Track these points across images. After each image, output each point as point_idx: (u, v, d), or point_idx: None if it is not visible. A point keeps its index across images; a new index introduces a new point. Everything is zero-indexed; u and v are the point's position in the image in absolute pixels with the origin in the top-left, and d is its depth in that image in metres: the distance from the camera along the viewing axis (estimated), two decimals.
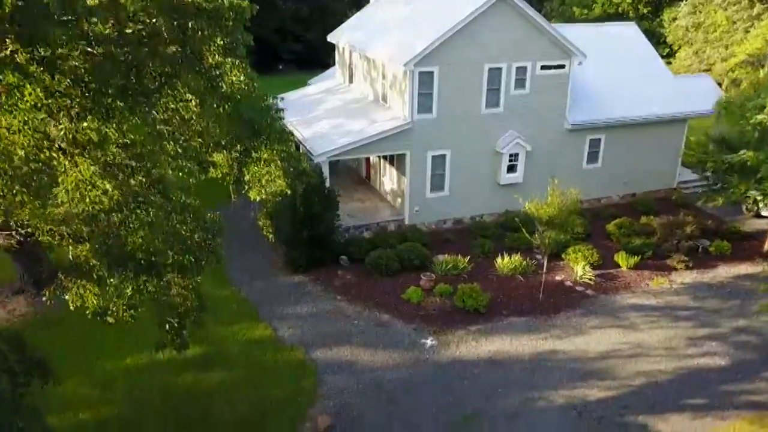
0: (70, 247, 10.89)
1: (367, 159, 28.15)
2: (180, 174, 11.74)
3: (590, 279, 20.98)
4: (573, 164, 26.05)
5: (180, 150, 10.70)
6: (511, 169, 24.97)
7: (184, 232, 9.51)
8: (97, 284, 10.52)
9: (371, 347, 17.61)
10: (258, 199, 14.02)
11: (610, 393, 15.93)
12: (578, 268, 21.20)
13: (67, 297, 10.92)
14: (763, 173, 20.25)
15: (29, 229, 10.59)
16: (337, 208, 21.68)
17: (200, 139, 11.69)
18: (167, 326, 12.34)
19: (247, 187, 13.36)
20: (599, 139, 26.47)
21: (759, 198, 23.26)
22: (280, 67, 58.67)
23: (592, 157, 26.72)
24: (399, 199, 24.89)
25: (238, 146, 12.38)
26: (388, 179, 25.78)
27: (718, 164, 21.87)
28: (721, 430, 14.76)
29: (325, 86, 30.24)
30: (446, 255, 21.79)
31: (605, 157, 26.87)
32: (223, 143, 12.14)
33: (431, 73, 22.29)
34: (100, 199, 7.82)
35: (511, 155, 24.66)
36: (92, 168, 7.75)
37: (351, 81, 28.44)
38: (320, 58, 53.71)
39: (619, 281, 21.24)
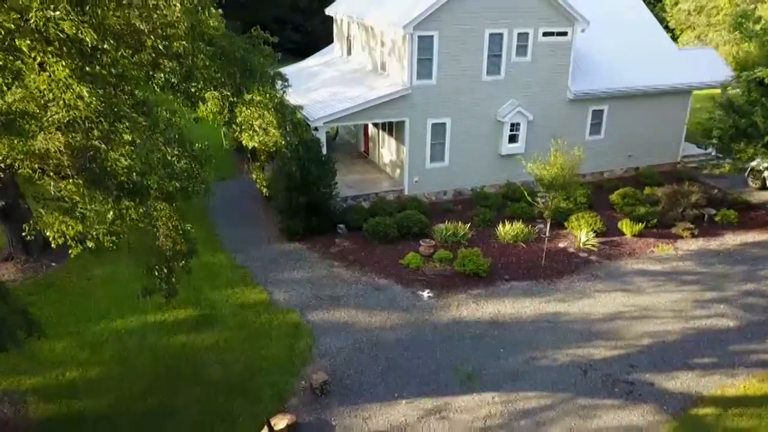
0: (52, 183, 10.41)
1: (366, 133, 27.66)
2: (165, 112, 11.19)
3: (594, 246, 20.46)
4: (575, 135, 25.41)
5: (171, 79, 10.16)
6: (513, 139, 24.45)
7: (169, 157, 8.99)
8: (81, 220, 10.02)
9: (368, 309, 17.09)
10: (251, 145, 13.48)
11: (616, 352, 15.40)
12: (581, 234, 20.68)
13: (47, 233, 10.41)
14: None
15: (9, 161, 10.05)
16: (334, 175, 21.15)
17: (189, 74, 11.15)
18: (155, 271, 11.89)
19: (238, 129, 12.83)
20: (602, 111, 25.95)
21: (765, 166, 22.78)
22: (279, 56, 58.22)
23: (595, 128, 26.20)
24: (398, 170, 24.37)
25: (230, 84, 11.85)
26: (387, 151, 25.26)
27: (724, 130, 21.33)
28: (731, 387, 14.23)
29: (323, 59, 29.77)
30: (446, 223, 21.27)
31: (608, 129, 26.36)
32: (214, 80, 11.61)
33: (431, 37, 21.77)
34: (75, 103, 7.29)
35: (512, 124, 24.13)
36: (66, 71, 7.23)
37: (349, 53, 27.92)
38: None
39: (623, 248, 20.71)
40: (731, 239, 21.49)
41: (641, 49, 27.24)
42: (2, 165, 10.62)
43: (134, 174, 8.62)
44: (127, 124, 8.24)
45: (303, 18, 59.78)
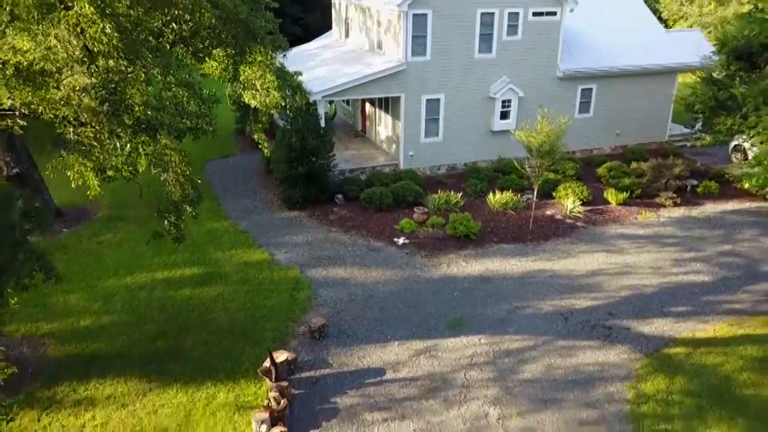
0: (71, 129, 11.39)
1: (363, 112, 28.64)
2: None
3: (580, 213, 21.45)
4: (565, 113, 25.96)
5: (180, 33, 11.13)
6: (504, 115, 25.43)
7: (180, 97, 9.96)
8: (99, 159, 11.00)
9: (364, 267, 18.08)
10: (253, 104, 14.46)
11: (596, 303, 16.39)
12: (568, 202, 21.66)
13: (68, 173, 11.41)
14: (747, 108, 20.64)
15: (32, 107, 11.04)
16: (332, 147, 22.14)
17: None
18: (166, 215, 12.86)
19: (242, 87, 13.81)
20: (591, 89, 26.94)
21: (747, 142, 23.73)
22: (287, 43, 59.04)
23: (584, 107, 27.19)
24: (394, 146, 25.36)
25: (233, 44, 12.82)
26: (384, 128, 26.25)
27: (705, 103, 22.25)
28: (702, 332, 15.21)
29: (321, 43, 30.76)
30: (440, 192, 22.26)
31: (597, 107, 27.35)
32: (219, 39, 12.59)
33: (425, 15, 22.75)
34: (99, 36, 8.28)
35: (504, 101, 25.12)
36: (91, 8, 8.21)
37: (347, 35, 28.91)
38: None
39: (607, 215, 21.71)
40: (711, 208, 22.48)
41: (629, 31, 28.24)
42: (26, 111, 11.61)
43: (149, 110, 9.59)
44: (143, 62, 9.21)
45: (302, 11, 60.77)
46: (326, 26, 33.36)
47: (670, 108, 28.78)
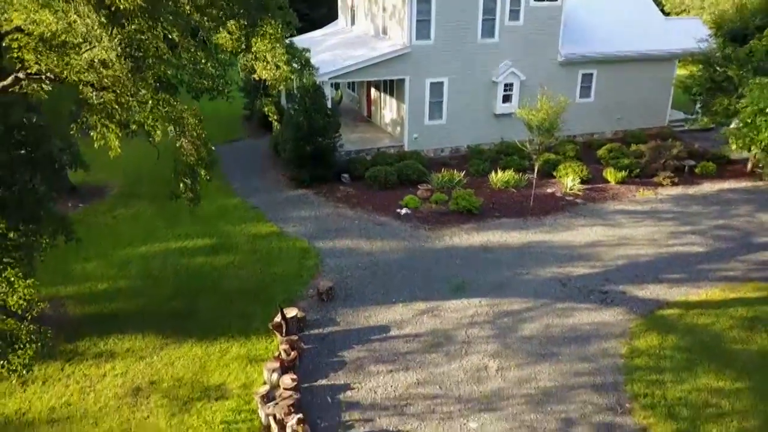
0: (94, 93, 12.06)
1: (368, 97, 29.29)
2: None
3: (579, 191, 22.05)
4: (566, 97, 27.01)
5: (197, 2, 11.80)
6: (507, 99, 26.03)
7: (198, 57, 10.63)
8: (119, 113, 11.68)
9: (369, 239, 18.73)
10: (264, 76, 15.13)
11: (594, 270, 17.00)
12: (567, 180, 22.26)
13: (92, 134, 12.09)
14: (742, 88, 21.23)
15: (57, 71, 11.71)
16: (338, 127, 22.80)
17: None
18: (181, 177, 13.52)
19: (253, 58, 14.49)
20: (591, 74, 27.51)
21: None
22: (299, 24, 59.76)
23: (585, 91, 27.77)
24: (398, 128, 26.01)
25: (246, 15, 13.48)
26: (388, 111, 26.90)
27: (703, 85, 22.86)
28: (695, 296, 15.79)
29: (328, 30, 31.43)
30: (443, 171, 22.90)
31: (598, 92, 27.91)
32: (232, 11, 13.26)
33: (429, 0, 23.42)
34: None
35: (506, 85, 25.73)
36: None
37: (353, 23, 29.58)
38: None
39: (606, 193, 22.31)
40: (708, 187, 23.04)
41: (629, 19, 28.81)
42: (52, 75, 12.30)
43: (169, 69, 10.26)
44: (163, 24, 9.88)
45: (308, 7, 61.45)
46: (332, 21, 34.06)
47: (670, 93, 29.31)
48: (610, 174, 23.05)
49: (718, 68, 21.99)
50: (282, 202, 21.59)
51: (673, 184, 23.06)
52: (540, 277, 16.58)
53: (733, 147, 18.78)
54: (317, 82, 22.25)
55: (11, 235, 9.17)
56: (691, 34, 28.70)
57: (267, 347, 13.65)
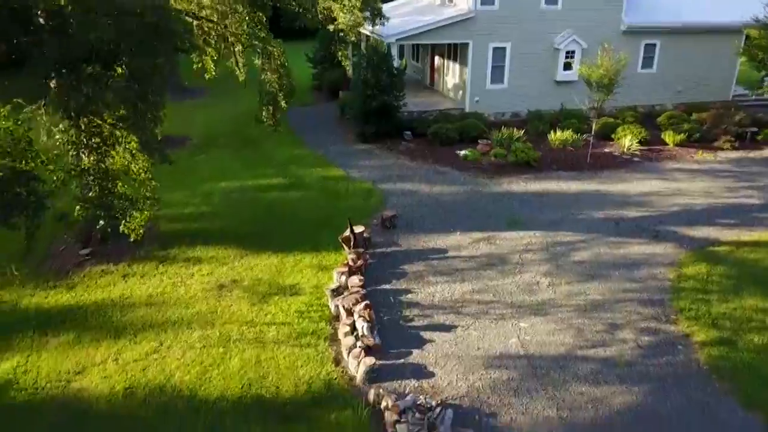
0: (194, 22, 13.70)
1: (432, 66, 30.40)
2: None
3: (637, 150, 22.51)
4: (628, 67, 27.29)
5: None
6: (568, 66, 26.64)
7: None
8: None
9: (430, 183, 19.88)
10: (340, 20, 16.49)
11: (647, 214, 17.61)
12: (625, 140, 22.76)
13: (194, 57, 13.73)
14: None
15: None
16: (403, 85, 24.01)
17: None
18: (264, 109, 15.05)
19: (332, 1, 15.87)
20: (655, 45, 27.72)
21: None
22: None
23: (647, 62, 27.99)
24: (460, 92, 27.01)
25: None
26: (451, 77, 27.93)
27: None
28: (747, 237, 16.20)
29: (400, 2, 32.76)
30: (503, 128, 23.79)
31: (660, 63, 28.08)
32: None
33: None
34: None
35: (567, 52, 26.34)
36: None
37: None
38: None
39: (664, 154, 22.69)
40: None
41: None
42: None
43: None
44: None
45: None
46: None
47: (735, 67, 29.15)
48: (668, 136, 23.38)
49: None
50: (348, 153, 22.99)
51: (734, 148, 23.18)
52: (594, 217, 17.33)
53: None
54: (385, 43, 23.54)
55: (140, 105, 10.45)
56: (763, 3, 28.56)
57: (336, 259, 14.98)
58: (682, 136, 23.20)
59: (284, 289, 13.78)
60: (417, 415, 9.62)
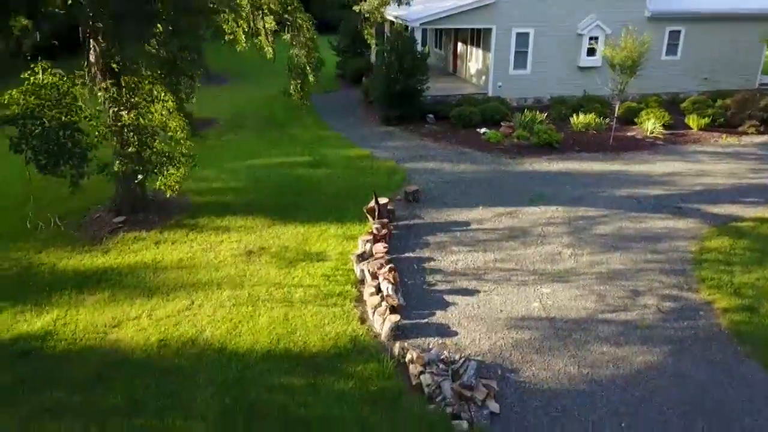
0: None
1: (454, 53, 30.61)
2: None
3: (660, 134, 22.52)
4: (652, 54, 26.97)
5: None
6: (591, 52, 26.67)
7: None
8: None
9: (453, 162, 20.13)
10: (365, 3, 16.78)
11: (669, 192, 17.68)
12: (648, 124, 22.77)
13: (226, 27, 14.12)
14: None
15: None
16: (426, 69, 24.27)
17: None
18: (292, 83, 15.40)
19: None
20: (679, 32, 27.63)
21: None
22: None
23: (672, 49, 27.91)
24: (483, 77, 27.18)
25: None
26: (474, 62, 28.12)
27: None
28: None
29: None
30: (525, 112, 23.93)
31: (684, 50, 27.98)
32: None
33: None
34: None
35: (591, 38, 26.38)
36: None
37: None
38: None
39: (688, 137, 22.68)
40: None
41: None
42: None
43: None
44: None
45: None
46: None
47: (762, 55, 28.93)
48: (692, 120, 23.35)
49: None
50: (372, 135, 23.31)
51: (759, 133, 23.07)
52: (615, 195, 17.45)
53: None
54: (410, 27, 23.82)
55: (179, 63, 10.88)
56: None
57: (360, 230, 15.28)
58: (706, 120, 23.16)
59: (311, 256, 14.12)
60: (441, 366, 9.90)
